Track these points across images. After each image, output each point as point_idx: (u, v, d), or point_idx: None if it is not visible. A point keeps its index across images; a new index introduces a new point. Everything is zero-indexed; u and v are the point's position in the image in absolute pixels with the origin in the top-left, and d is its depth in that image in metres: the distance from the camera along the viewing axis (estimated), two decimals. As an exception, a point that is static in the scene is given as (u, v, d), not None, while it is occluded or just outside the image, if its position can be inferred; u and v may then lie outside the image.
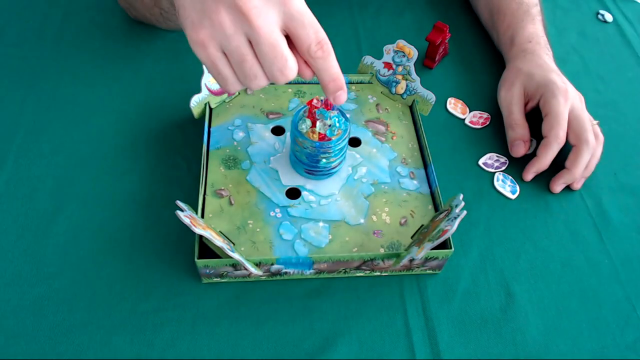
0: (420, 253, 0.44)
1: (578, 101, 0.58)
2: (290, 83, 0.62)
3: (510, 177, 0.58)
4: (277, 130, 0.58)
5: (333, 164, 0.52)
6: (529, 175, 0.58)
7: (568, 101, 0.57)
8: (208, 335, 0.46)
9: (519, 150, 0.59)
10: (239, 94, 0.61)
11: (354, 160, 0.56)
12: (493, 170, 0.59)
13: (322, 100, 0.50)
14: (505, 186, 0.57)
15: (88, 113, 0.61)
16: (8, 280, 0.48)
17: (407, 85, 0.60)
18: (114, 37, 0.70)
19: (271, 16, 0.36)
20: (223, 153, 0.55)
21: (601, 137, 0.58)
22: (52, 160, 0.56)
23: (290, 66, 0.38)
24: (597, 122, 0.59)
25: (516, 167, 0.59)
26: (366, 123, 0.59)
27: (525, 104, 0.61)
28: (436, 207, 0.52)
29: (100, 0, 0.74)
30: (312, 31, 0.37)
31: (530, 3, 0.68)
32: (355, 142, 0.58)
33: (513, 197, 0.56)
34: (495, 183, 0.57)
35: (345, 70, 0.65)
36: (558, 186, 0.57)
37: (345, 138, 0.51)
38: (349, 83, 0.63)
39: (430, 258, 0.48)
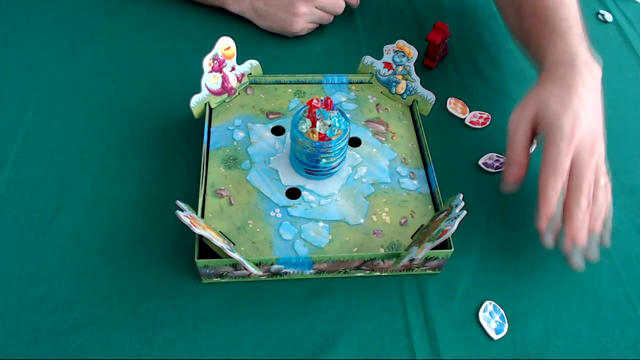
0: (420, 253, 0.44)
1: (587, 147, 0.48)
2: (290, 83, 0.62)
3: (501, 311, 0.49)
4: (277, 130, 0.58)
5: (333, 164, 0.52)
6: (543, 223, 0.48)
7: (572, 147, 0.48)
8: (208, 335, 0.46)
9: (507, 188, 0.52)
10: (238, 93, 0.61)
11: (354, 160, 0.56)
12: (493, 170, 0.59)
13: (322, 100, 0.50)
14: (492, 321, 0.48)
15: (88, 113, 0.61)
16: (8, 280, 0.48)
17: (407, 85, 0.60)
18: (114, 38, 0.70)
19: None
20: (223, 153, 0.55)
21: (609, 186, 0.51)
22: (52, 160, 0.56)
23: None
24: (607, 179, 0.51)
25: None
26: (366, 123, 0.59)
27: (535, 129, 0.52)
28: (436, 207, 0.52)
29: (100, 0, 0.75)
30: None
31: (561, 17, 0.57)
32: (355, 142, 0.58)
33: (497, 337, 0.47)
34: (481, 314, 0.48)
35: (345, 70, 0.66)
36: (576, 261, 0.48)
37: (345, 138, 0.51)
38: (349, 83, 0.63)
39: (430, 258, 0.48)
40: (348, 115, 0.54)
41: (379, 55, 0.61)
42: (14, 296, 0.47)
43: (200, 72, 0.55)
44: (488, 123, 0.64)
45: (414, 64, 0.58)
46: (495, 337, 0.47)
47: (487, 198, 0.57)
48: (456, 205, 0.46)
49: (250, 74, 0.61)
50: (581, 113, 0.49)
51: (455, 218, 0.43)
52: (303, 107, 0.51)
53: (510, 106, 0.66)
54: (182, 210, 0.44)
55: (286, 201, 0.52)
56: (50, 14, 0.72)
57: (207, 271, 0.47)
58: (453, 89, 0.68)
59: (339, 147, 0.51)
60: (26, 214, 0.52)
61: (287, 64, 0.68)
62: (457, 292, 0.50)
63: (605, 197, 0.50)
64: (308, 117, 0.50)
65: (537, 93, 0.52)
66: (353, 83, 0.64)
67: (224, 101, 0.60)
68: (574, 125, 0.48)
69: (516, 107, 0.53)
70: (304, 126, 0.50)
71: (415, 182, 0.55)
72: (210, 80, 0.57)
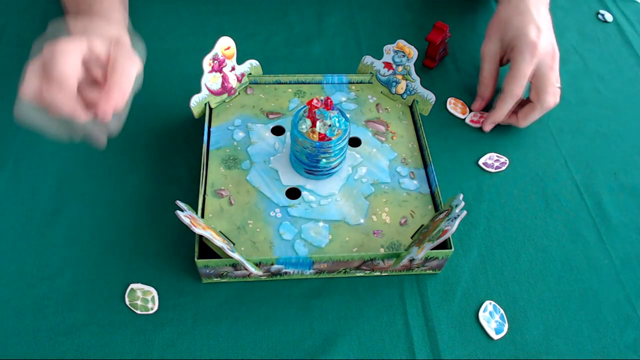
0: (420, 253, 0.44)
1: (548, 58, 0.57)
2: (290, 83, 0.62)
3: (500, 311, 0.49)
4: (277, 130, 0.58)
5: (333, 164, 0.52)
6: (487, 126, 0.61)
7: (534, 58, 0.57)
8: (208, 335, 0.46)
9: (475, 105, 0.64)
10: (238, 93, 0.61)
11: (354, 160, 0.56)
12: (493, 170, 0.59)
13: (322, 100, 0.50)
14: (492, 321, 0.48)
15: (88, 113, 0.61)
16: (8, 280, 0.48)
17: (407, 85, 0.60)
18: (114, 37, 0.70)
19: None
20: (223, 153, 0.55)
21: (558, 101, 0.59)
22: (52, 160, 0.56)
23: None
24: (559, 85, 0.60)
25: (516, 169, 0.59)
26: (366, 123, 0.59)
27: (502, 57, 0.62)
28: (436, 207, 0.52)
29: (100, 0, 0.74)
30: None
31: None
32: (355, 142, 0.58)
33: (497, 337, 0.47)
34: (481, 314, 0.48)
35: (345, 70, 0.66)
36: (488, 125, 0.61)
37: (345, 138, 0.51)
38: (349, 83, 0.63)
39: (430, 258, 0.48)
40: (348, 115, 0.54)
41: (379, 55, 0.61)
42: (14, 296, 0.47)
43: (200, 72, 0.55)
44: (488, 123, 0.64)
45: (414, 64, 0.58)
46: (495, 337, 0.47)
47: (487, 198, 0.57)
48: (456, 205, 0.46)
49: (250, 74, 0.61)
50: (542, 25, 0.57)
51: (455, 218, 0.43)
52: (303, 107, 0.51)
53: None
54: (182, 210, 0.44)
55: (286, 201, 0.52)
56: (51, 13, 0.72)
57: (207, 271, 0.47)
58: (453, 89, 0.68)
59: (339, 147, 0.51)
60: (26, 214, 0.52)
61: (287, 64, 0.68)
62: (457, 292, 0.50)
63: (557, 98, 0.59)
64: (308, 117, 0.50)
65: (497, 18, 0.60)
66: (353, 83, 0.64)
67: (224, 101, 0.60)
68: (537, 35, 0.56)
69: (485, 36, 0.62)
70: (304, 126, 0.50)
71: (415, 182, 0.55)
72: (210, 80, 0.57)
